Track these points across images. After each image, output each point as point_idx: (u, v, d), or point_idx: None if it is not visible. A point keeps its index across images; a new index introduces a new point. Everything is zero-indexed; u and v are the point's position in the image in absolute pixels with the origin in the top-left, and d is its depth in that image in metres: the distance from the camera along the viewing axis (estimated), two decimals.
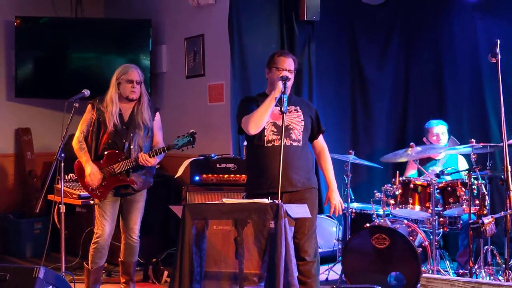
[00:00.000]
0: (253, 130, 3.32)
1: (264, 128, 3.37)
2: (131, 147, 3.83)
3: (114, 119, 3.81)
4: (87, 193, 3.98)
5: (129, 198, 3.92)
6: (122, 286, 4.06)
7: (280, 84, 3.27)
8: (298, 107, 3.51)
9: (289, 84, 3.38)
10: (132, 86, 3.84)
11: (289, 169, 3.35)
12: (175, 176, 4.78)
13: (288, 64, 3.44)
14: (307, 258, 3.36)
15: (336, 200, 3.56)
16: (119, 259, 4.04)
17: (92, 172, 3.79)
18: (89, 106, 3.89)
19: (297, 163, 3.40)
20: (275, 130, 3.39)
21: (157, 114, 4.02)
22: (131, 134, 3.84)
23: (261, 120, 3.32)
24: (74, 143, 3.87)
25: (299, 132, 3.44)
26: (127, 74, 3.85)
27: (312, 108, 3.65)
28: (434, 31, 5.36)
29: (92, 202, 3.88)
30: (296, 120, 3.45)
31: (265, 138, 3.39)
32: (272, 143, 3.38)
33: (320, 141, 3.64)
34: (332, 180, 3.61)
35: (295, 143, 3.41)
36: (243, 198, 3.52)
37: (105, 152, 3.82)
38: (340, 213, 3.62)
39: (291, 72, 3.43)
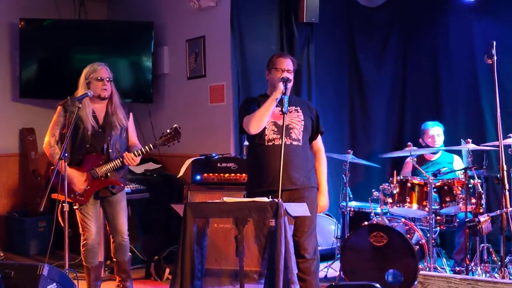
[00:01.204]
0: (253, 129, 3.34)
1: (265, 128, 3.38)
2: (110, 150, 3.76)
3: (90, 121, 3.71)
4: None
5: (111, 201, 3.84)
6: (120, 284, 4.00)
7: (281, 85, 3.29)
8: (298, 108, 3.51)
9: (290, 85, 3.39)
10: (103, 83, 3.73)
11: (289, 168, 3.35)
12: (178, 176, 4.78)
13: (286, 64, 3.45)
14: (306, 255, 3.35)
15: (323, 202, 3.55)
16: (113, 259, 3.98)
17: (74, 177, 3.68)
18: (60, 108, 3.73)
19: (297, 161, 3.40)
20: (276, 129, 3.39)
21: (131, 115, 3.94)
22: (108, 137, 3.76)
23: (262, 120, 3.33)
24: (46, 148, 3.76)
25: (299, 131, 3.44)
26: (96, 72, 3.73)
27: (313, 109, 3.64)
28: (431, 33, 5.36)
29: (75, 207, 3.74)
30: (296, 120, 3.46)
31: (266, 137, 3.40)
32: (273, 142, 3.38)
33: (318, 142, 3.64)
34: (322, 182, 3.59)
35: (295, 142, 3.41)
36: (244, 197, 3.52)
37: (84, 156, 3.72)
38: (320, 213, 3.65)
39: (289, 72, 3.44)
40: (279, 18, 5.25)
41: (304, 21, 5.00)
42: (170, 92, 5.86)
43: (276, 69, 3.43)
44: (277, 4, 5.25)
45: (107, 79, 3.75)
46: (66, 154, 3.48)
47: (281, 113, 3.22)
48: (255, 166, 3.49)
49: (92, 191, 3.75)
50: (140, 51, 5.79)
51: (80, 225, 3.82)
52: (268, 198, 2.88)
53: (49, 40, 5.78)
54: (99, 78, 3.73)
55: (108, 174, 3.76)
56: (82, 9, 6.25)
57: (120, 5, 6.41)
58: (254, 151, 3.50)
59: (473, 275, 3.94)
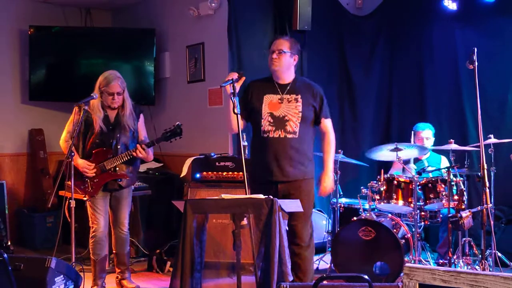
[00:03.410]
0: (230, 131, 3.32)
1: (261, 118, 3.31)
2: (118, 146, 3.78)
3: (100, 122, 3.75)
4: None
5: (118, 195, 3.87)
6: (118, 276, 4.02)
7: (227, 88, 3.17)
8: (299, 96, 3.33)
9: (238, 82, 3.20)
10: (112, 98, 3.75)
11: (283, 161, 3.28)
12: (181, 176, 4.76)
13: (276, 45, 3.33)
14: (301, 243, 3.33)
15: (327, 182, 3.40)
16: (113, 251, 4.00)
17: (84, 164, 3.73)
18: (76, 108, 3.72)
19: (290, 155, 3.30)
20: (272, 120, 3.30)
21: (141, 115, 3.95)
22: (118, 135, 3.78)
23: (228, 122, 3.30)
24: (62, 142, 3.81)
25: (295, 124, 3.30)
26: (108, 87, 3.74)
27: (317, 96, 3.39)
28: (416, 40, 5.37)
29: (85, 198, 3.80)
30: (293, 112, 3.31)
31: (262, 128, 3.32)
32: (267, 134, 3.30)
33: (324, 125, 3.46)
34: (327, 162, 3.43)
35: (289, 135, 3.30)
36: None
37: (93, 151, 3.76)
38: (325, 195, 3.48)
39: (280, 52, 3.29)
40: (274, 26, 5.25)
41: (297, 28, 5.00)
42: (171, 95, 5.85)
43: (270, 52, 3.33)
44: (272, 12, 5.25)
45: (118, 93, 3.76)
46: (73, 154, 3.48)
47: (279, 101, 3.17)
48: (253, 155, 3.45)
49: (100, 184, 3.77)
50: (142, 56, 5.79)
51: (89, 218, 3.84)
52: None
53: (56, 46, 5.77)
54: (109, 92, 3.75)
55: (117, 168, 3.78)
56: (88, 17, 6.23)
57: (124, 13, 6.39)
58: (254, 139, 3.43)
59: (455, 267, 3.95)
